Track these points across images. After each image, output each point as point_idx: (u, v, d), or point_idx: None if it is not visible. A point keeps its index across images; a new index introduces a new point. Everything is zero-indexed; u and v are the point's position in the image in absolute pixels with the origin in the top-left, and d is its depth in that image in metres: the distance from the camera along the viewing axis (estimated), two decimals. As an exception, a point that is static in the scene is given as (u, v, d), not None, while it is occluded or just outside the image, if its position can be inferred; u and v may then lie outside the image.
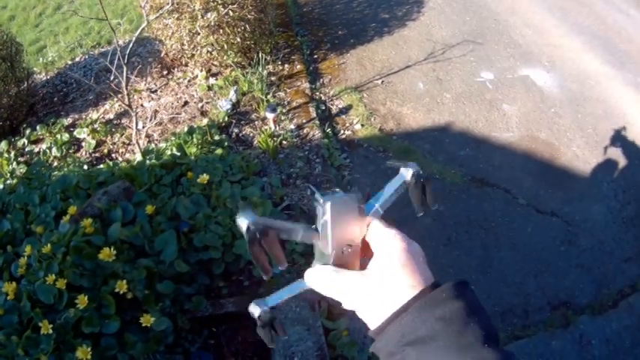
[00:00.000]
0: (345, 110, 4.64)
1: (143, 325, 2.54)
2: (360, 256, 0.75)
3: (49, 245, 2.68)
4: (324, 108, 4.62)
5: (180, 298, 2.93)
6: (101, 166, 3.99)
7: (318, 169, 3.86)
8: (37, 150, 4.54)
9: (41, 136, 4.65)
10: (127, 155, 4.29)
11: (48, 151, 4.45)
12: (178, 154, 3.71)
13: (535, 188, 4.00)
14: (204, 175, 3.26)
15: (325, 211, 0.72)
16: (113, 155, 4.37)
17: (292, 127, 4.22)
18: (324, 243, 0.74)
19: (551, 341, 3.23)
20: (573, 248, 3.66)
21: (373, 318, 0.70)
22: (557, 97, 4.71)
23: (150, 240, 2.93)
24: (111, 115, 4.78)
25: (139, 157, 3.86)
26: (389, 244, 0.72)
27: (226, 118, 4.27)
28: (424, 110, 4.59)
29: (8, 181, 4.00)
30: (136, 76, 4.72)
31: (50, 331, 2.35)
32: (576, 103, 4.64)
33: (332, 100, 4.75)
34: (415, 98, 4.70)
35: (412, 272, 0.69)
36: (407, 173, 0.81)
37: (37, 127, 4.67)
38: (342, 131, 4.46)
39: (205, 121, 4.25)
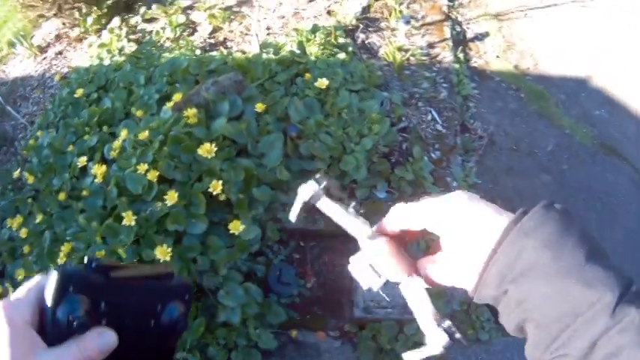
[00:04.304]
0: (481, 37, 3.87)
1: (231, 231, 2.10)
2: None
3: (147, 131, 2.28)
4: (459, 30, 3.87)
5: (275, 205, 2.49)
6: (214, 53, 3.45)
7: (444, 95, 3.19)
8: (149, 29, 4.03)
9: (156, 16, 4.13)
10: (243, 46, 3.74)
11: (161, 31, 3.94)
12: (298, 51, 3.13)
13: (665, 176, 3.24)
14: (324, 79, 2.71)
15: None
16: (228, 44, 3.83)
17: (423, 43, 3.51)
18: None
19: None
20: (686, 256, 2.93)
21: (466, 270, 0.57)
22: None
23: (254, 140, 2.45)
24: (231, 2, 4.19)
25: (255, 49, 3.30)
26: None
27: (354, 21, 3.59)
28: (564, 55, 3.78)
29: (115, 58, 3.55)
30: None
31: (133, 223, 1.98)
32: None
33: (468, 24, 3.97)
34: (557, 40, 3.88)
35: (493, 215, 0.56)
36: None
37: (153, 6, 4.13)
38: (474, 59, 3.72)
39: (331, 21, 3.57)
